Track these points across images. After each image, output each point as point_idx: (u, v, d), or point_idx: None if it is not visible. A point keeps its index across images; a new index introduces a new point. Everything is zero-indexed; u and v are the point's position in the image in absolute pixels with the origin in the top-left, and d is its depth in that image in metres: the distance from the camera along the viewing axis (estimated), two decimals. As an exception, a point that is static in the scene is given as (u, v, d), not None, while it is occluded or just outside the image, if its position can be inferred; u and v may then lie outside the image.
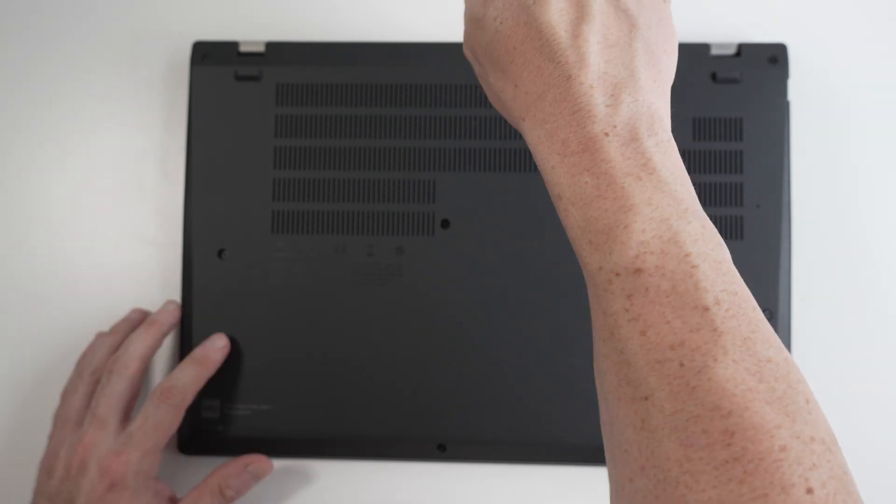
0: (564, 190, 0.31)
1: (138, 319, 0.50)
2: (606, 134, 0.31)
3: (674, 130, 0.48)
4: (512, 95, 0.34)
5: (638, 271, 0.29)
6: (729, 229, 0.48)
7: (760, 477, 0.26)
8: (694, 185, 0.48)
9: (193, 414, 0.49)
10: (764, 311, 0.47)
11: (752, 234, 0.48)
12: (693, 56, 0.49)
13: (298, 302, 0.49)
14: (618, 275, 0.30)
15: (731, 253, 0.49)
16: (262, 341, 0.49)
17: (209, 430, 0.49)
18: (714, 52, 0.49)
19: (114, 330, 0.49)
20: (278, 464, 0.50)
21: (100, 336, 0.49)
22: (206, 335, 0.49)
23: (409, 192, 0.49)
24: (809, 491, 0.26)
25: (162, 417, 0.45)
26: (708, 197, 0.48)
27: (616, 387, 0.30)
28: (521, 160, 0.49)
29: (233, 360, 0.49)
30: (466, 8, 0.36)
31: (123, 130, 0.53)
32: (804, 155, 0.50)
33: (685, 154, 0.49)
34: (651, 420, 0.28)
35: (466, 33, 0.36)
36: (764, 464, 0.26)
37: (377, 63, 0.50)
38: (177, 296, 0.51)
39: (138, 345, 0.47)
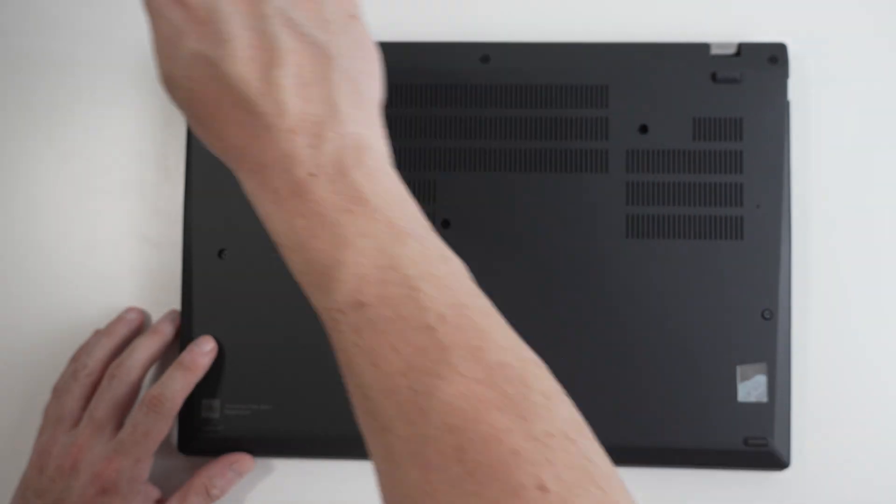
0: (282, 237, 0.31)
1: (135, 320, 0.50)
2: (313, 175, 0.30)
3: (674, 130, 0.49)
4: (221, 149, 0.33)
5: (360, 304, 0.29)
6: (729, 229, 0.48)
7: (492, 485, 0.26)
8: (694, 185, 0.48)
9: (193, 414, 0.49)
10: (764, 311, 0.47)
11: (752, 234, 0.48)
12: (693, 56, 0.49)
13: (299, 302, 0.49)
14: (343, 312, 0.29)
15: (731, 253, 0.49)
16: (262, 341, 0.49)
17: (209, 430, 0.48)
18: (714, 52, 0.49)
19: (110, 331, 0.49)
20: (279, 464, 0.50)
21: (97, 334, 0.49)
22: (205, 335, 0.49)
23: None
24: (542, 488, 0.26)
25: (151, 425, 0.45)
26: (708, 197, 0.48)
27: (363, 421, 0.30)
28: (521, 160, 0.49)
29: (233, 360, 0.49)
30: (158, 65, 0.34)
31: (123, 130, 0.53)
32: (804, 155, 0.50)
33: (685, 154, 0.49)
34: (393, 450, 0.28)
35: (165, 91, 0.34)
36: (495, 471, 0.26)
37: (377, 63, 0.50)
38: (177, 295, 0.51)
39: (142, 352, 0.48)
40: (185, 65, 0.32)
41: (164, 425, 0.46)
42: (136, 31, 0.53)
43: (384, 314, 0.29)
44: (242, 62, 0.31)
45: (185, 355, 0.48)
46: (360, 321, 0.29)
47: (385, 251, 0.30)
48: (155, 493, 0.46)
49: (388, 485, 0.29)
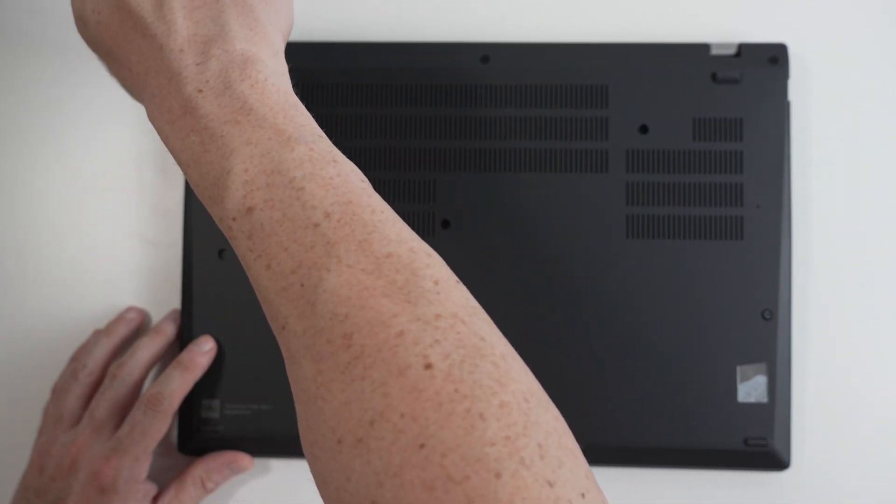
0: (179, 155, 0.32)
1: (135, 320, 0.50)
2: (200, 91, 0.32)
3: (674, 130, 0.49)
4: (129, 80, 0.35)
5: (249, 210, 0.30)
6: (729, 229, 0.48)
7: (378, 368, 0.27)
8: (694, 185, 0.48)
9: (193, 414, 0.49)
10: (764, 311, 0.47)
11: (752, 234, 0.48)
12: (693, 56, 0.49)
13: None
14: (234, 219, 0.30)
15: (731, 253, 0.49)
16: (261, 341, 0.49)
17: (209, 430, 0.49)
18: (714, 52, 0.49)
19: (110, 330, 0.49)
20: (278, 464, 0.50)
21: (96, 334, 0.49)
22: (205, 335, 0.49)
23: (409, 192, 0.49)
24: (428, 366, 0.27)
25: (149, 424, 0.45)
26: (708, 197, 0.48)
27: (272, 326, 0.31)
28: (521, 160, 0.49)
29: (233, 359, 0.49)
30: (72, 7, 0.37)
31: (123, 130, 0.53)
32: (804, 155, 0.50)
33: (685, 154, 0.49)
34: (291, 347, 0.29)
35: (79, 32, 0.37)
36: (381, 354, 0.27)
37: (378, 63, 0.50)
38: (177, 295, 0.51)
39: (144, 353, 0.48)
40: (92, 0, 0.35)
41: (163, 424, 0.46)
42: (136, 31, 0.53)
43: (272, 216, 0.30)
44: None
45: (184, 355, 0.48)
46: (251, 225, 0.30)
47: (271, 156, 0.31)
48: (153, 491, 0.47)
49: (293, 385, 0.30)
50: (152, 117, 0.33)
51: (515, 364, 0.29)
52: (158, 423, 0.46)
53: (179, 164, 0.32)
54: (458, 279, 0.30)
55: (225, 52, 0.33)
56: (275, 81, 0.33)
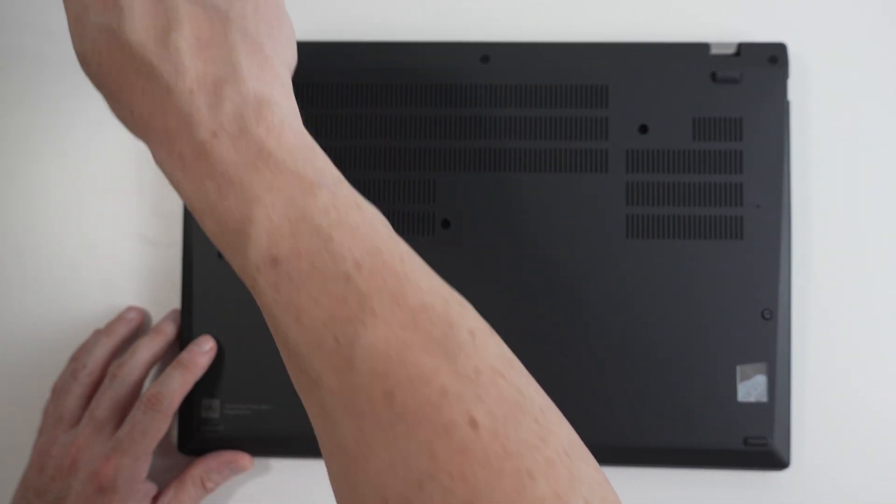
0: (193, 202, 0.31)
1: (134, 320, 0.50)
2: (215, 134, 0.30)
3: (674, 130, 0.49)
4: (132, 123, 0.33)
5: (275, 260, 0.29)
6: (729, 229, 0.48)
7: (423, 427, 0.26)
8: (694, 185, 0.48)
9: (193, 414, 0.49)
10: (764, 311, 0.47)
11: (752, 234, 0.48)
12: (693, 56, 0.49)
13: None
14: (259, 270, 0.29)
15: (731, 253, 0.49)
16: (261, 341, 0.49)
17: (209, 430, 0.49)
18: (714, 52, 0.49)
19: (110, 330, 0.49)
20: (278, 464, 0.50)
21: (96, 334, 0.49)
22: (205, 334, 0.49)
23: (409, 192, 0.49)
24: (473, 425, 0.26)
25: (149, 424, 0.45)
26: (708, 197, 0.48)
27: (296, 380, 0.30)
28: (521, 160, 0.49)
29: (233, 360, 0.49)
30: (73, 45, 0.35)
31: (123, 130, 0.52)
32: (804, 155, 0.50)
33: (685, 154, 0.49)
34: (326, 404, 0.28)
35: (83, 71, 0.35)
36: (425, 412, 0.26)
37: (377, 63, 0.50)
38: (177, 295, 0.51)
39: (145, 353, 0.48)
40: (91, 39, 0.33)
41: (163, 424, 0.46)
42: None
43: (300, 267, 0.29)
44: (140, 28, 0.32)
45: (184, 354, 0.48)
46: (278, 277, 0.29)
47: (295, 203, 0.29)
48: (153, 491, 0.47)
49: (326, 441, 0.29)
50: (160, 161, 0.32)
51: (554, 417, 0.28)
52: (158, 423, 0.46)
53: (192, 210, 0.31)
54: (490, 327, 0.30)
55: (238, 94, 0.31)
56: (290, 123, 0.32)
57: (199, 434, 0.49)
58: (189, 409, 0.48)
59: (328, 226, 0.29)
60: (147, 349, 0.48)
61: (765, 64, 0.49)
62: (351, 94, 0.50)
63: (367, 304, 0.28)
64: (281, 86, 0.33)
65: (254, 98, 0.31)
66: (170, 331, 0.49)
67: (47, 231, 0.52)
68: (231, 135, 0.30)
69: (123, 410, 0.47)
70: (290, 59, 0.35)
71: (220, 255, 0.49)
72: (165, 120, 0.31)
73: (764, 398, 0.47)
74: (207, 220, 0.31)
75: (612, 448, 0.47)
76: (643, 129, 0.49)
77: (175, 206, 0.51)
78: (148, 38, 0.32)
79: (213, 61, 0.32)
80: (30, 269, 0.52)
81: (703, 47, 0.49)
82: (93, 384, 0.48)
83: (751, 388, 0.47)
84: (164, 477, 0.48)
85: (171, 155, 0.31)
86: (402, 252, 0.30)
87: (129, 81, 0.32)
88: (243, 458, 0.48)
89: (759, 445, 0.47)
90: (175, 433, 0.49)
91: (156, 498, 0.47)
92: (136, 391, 0.47)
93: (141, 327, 0.51)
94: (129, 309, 0.51)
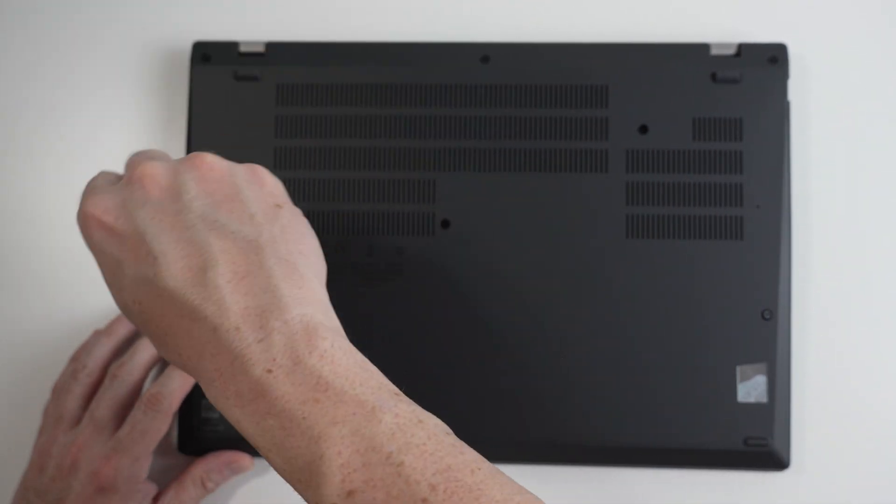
0: (257, 440, 0.31)
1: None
2: (270, 371, 0.30)
3: (674, 130, 0.49)
4: (183, 365, 0.33)
5: (351, 494, 0.29)
6: (729, 229, 0.48)
7: None
8: (694, 185, 0.48)
9: (193, 414, 0.49)
10: (764, 311, 0.47)
11: (752, 234, 0.48)
12: (693, 56, 0.49)
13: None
14: None
15: (731, 253, 0.49)
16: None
17: (209, 430, 0.49)
18: (714, 52, 0.49)
19: (110, 330, 0.49)
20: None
21: (96, 334, 0.49)
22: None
23: (409, 192, 0.49)
24: None
25: (149, 424, 0.45)
26: (708, 197, 0.48)
27: None
28: (521, 160, 0.49)
29: (233, 360, 0.49)
30: (112, 298, 0.36)
31: (123, 130, 0.53)
32: (804, 155, 0.50)
33: (685, 154, 0.49)
34: None
35: (127, 318, 0.36)
36: None
37: (377, 63, 0.50)
38: (177, 296, 0.51)
39: (145, 353, 0.48)
40: (130, 290, 0.34)
41: (163, 424, 0.46)
42: (137, 31, 0.53)
43: (376, 497, 0.29)
44: (176, 274, 0.32)
45: None
46: None
47: (361, 433, 0.29)
48: (153, 491, 0.47)
49: None
50: (214, 399, 0.32)
51: None
52: (158, 423, 0.46)
53: (257, 448, 0.31)
54: None
55: (284, 324, 0.31)
56: (340, 344, 0.32)
57: (199, 434, 0.49)
58: (189, 409, 0.48)
59: (397, 451, 0.29)
60: (147, 349, 0.48)
61: (765, 64, 0.49)
62: (351, 94, 0.50)
63: None
64: (320, 303, 0.33)
65: (300, 325, 0.31)
66: None
67: (47, 231, 0.52)
68: (286, 369, 0.30)
69: (124, 411, 0.47)
70: (322, 272, 0.36)
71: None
72: (216, 360, 0.31)
73: (764, 398, 0.47)
74: (274, 458, 0.31)
75: (613, 448, 0.47)
76: (643, 129, 0.49)
77: (175, 206, 0.51)
78: (185, 282, 0.32)
79: (253, 292, 0.32)
80: (30, 269, 0.52)
81: (703, 47, 0.49)
82: (93, 384, 0.48)
83: (751, 388, 0.47)
84: (164, 477, 0.48)
85: (226, 394, 0.31)
86: (470, 462, 0.30)
87: (173, 326, 0.33)
88: (243, 459, 0.48)
89: (759, 446, 0.47)
90: (175, 433, 0.49)
91: (156, 498, 0.47)
92: (136, 391, 0.47)
93: (141, 327, 0.51)
94: (130, 309, 0.51)
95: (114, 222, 0.35)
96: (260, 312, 0.31)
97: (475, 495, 0.29)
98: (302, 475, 0.30)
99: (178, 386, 0.47)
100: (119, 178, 0.38)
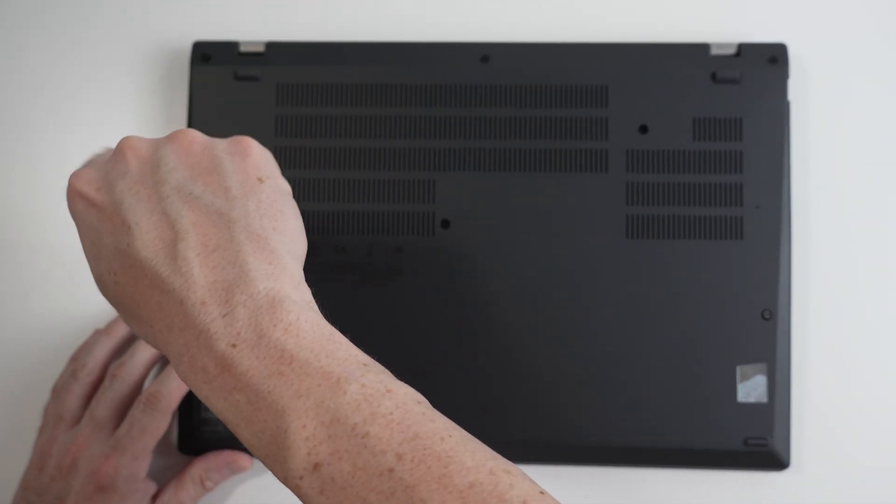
0: (226, 415, 0.31)
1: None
2: (234, 346, 0.30)
3: (674, 130, 0.49)
4: (153, 337, 0.33)
5: (316, 466, 0.29)
6: (729, 229, 0.48)
7: None
8: (694, 185, 0.48)
9: (193, 414, 0.49)
10: (764, 311, 0.47)
11: (752, 234, 0.48)
12: (693, 56, 0.49)
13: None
14: (302, 478, 0.29)
15: (731, 253, 0.49)
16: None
17: (209, 429, 0.49)
18: (714, 52, 0.49)
19: (110, 330, 0.49)
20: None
21: (96, 333, 0.49)
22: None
23: (409, 192, 0.49)
24: None
25: (148, 422, 0.45)
26: (708, 197, 0.48)
27: None
28: (521, 160, 0.49)
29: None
30: (90, 270, 0.36)
31: (123, 130, 0.52)
32: (804, 155, 0.50)
33: (685, 154, 0.49)
34: None
35: (101, 293, 0.36)
36: None
37: (377, 63, 0.50)
38: (177, 296, 0.51)
39: (145, 353, 0.48)
40: (106, 260, 0.34)
41: (162, 422, 0.46)
42: (137, 31, 0.53)
43: (342, 469, 0.29)
44: (148, 244, 0.33)
45: None
46: (322, 481, 0.29)
47: (325, 405, 0.29)
48: (152, 490, 0.47)
49: None
50: (184, 376, 0.32)
51: None
52: (157, 422, 0.46)
53: (226, 423, 0.31)
54: (541, 488, 0.29)
55: (249, 298, 0.31)
56: (306, 317, 0.31)
57: (199, 434, 0.49)
58: (189, 409, 0.48)
59: (362, 421, 0.29)
60: (147, 349, 0.48)
61: (765, 64, 0.49)
62: (351, 94, 0.50)
63: (415, 494, 0.28)
64: (290, 277, 0.33)
65: (266, 298, 0.31)
66: None
67: (47, 231, 0.52)
68: (250, 343, 0.30)
69: (123, 410, 0.47)
70: (299, 249, 0.35)
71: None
72: (184, 334, 0.31)
73: (764, 398, 0.47)
74: (242, 432, 0.31)
75: (612, 448, 0.47)
76: (643, 129, 0.49)
77: (175, 205, 0.51)
78: (156, 252, 0.32)
79: (221, 266, 0.32)
80: (30, 268, 0.52)
81: (703, 47, 0.49)
82: (93, 384, 0.48)
83: (751, 388, 0.47)
84: (164, 476, 0.48)
85: (193, 370, 0.31)
86: (439, 429, 0.30)
87: (144, 297, 0.33)
88: (243, 458, 0.48)
89: (759, 446, 0.47)
90: (175, 433, 0.49)
91: (155, 497, 0.47)
92: (136, 391, 0.47)
93: (141, 327, 0.51)
94: (129, 309, 0.51)
95: (94, 193, 0.35)
96: (226, 287, 0.31)
97: (443, 463, 0.28)
98: (269, 450, 0.30)
99: (176, 385, 0.47)
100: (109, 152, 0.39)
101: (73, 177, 0.37)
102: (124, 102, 0.53)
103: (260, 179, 0.35)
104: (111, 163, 0.36)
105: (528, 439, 0.48)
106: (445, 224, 0.49)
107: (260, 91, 0.50)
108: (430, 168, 0.49)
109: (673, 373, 0.47)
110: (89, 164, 0.38)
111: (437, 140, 0.49)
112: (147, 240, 0.33)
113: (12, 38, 0.53)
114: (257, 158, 0.36)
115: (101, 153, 0.40)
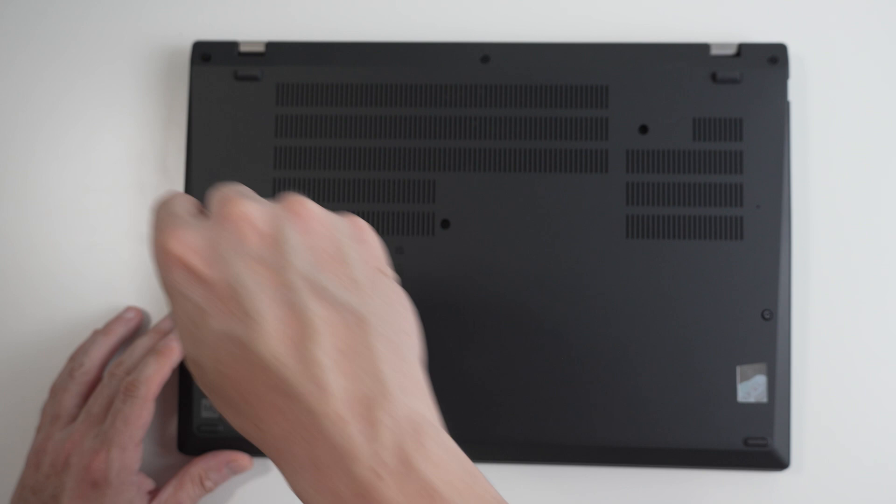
0: None
1: (133, 319, 0.50)
2: (377, 474, 0.27)
3: (674, 130, 0.49)
4: (258, 438, 0.29)
5: None
6: (729, 229, 0.48)
7: None
8: (694, 185, 0.48)
9: (193, 414, 0.49)
10: (764, 311, 0.47)
11: (752, 234, 0.48)
12: (693, 56, 0.49)
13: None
14: None
15: (731, 253, 0.49)
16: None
17: (209, 430, 0.48)
18: (714, 52, 0.49)
19: (108, 330, 0.49)
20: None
21: (95, 334, 0.49)
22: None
23: (409, 192, 0.49)
24: None
25: (129, 411, 0.45)
26: (708, 197, 0.48)
27: None
28: (521, 160, 0.49)
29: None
30: (181, 345, 0.31)
31: (123, 130, 0.53)
32: (804, 155, 0.50)
33: (685, 154, 0.49)
34: None
35: (190, 372, 0.31)
36: None
37: (377, 63, 0.50)
38: (177, 296, 0.51)
39: (144, 352, 0.48)
40: (211, 346, 0.29)
41: (143, 410, 0.45)
42: (137, 31, 0.53)
43: None
44: (274, 340, 0.28)
45: (160, 342, 0.48)
46: None
47: None
48: (148, 484, 0.46)
49: None
50: (301, 492, 0.28)
51: None
52: (138, 409, 0.45)
53: None
54: None
55: (392, 419, 0.28)
56: (446, 445, 0.28)
57: (199, 434, 0.49)
58: (189, 409, 0.48)
59: None
60: (146, 349, 0.48)
61: (765, 64, 0.49)
62: (351, 94, 0.50)
63: None
64: (422, 391, 0.30)
65: (409, 423, 0.28)
66: (169, 330, 0.49)
67: (47, 231, 0.52)
68: (395, 472, 0.27)
69: None
70: (420, 353, 0.31)
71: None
72: (312, 448, 0.28)
73: (764, 398, 0.47)
74: None
75: (613, 448, 0.47)
76: (643, 129, 0.49)
77: (175, 205, 0.51)
78: (283, 351, 0.28)
79: (357, 375, 0.28)
80: (30, 269, 0.52)
81: (703, 47, 0.49)
82: (89, 383, 0.48)
83: (751, 388, 0.47)
84: (164, 476, 0.48)
85: (319, 490, 0.28)
86: None
87: (257, 396, 0.28)
88: (243, 458, 0.48)
89: (759, 446, 0.47)
90: (175, 433, 0.49)
91: (154, 495, 0.47)
92: None
93: (140, 327, 0.51)
94: (128, 309, 0.51)
95: (202, 266, 0.30)
96: (366, 402, 0.28)
97: None
98: None
99: (153, 371, 0.46)
100: (199, 208, 0.33)
101: (171, 239, 0.30)
102: (124, 102, 0.53)
103: (380, 271, 0.32)
104: (219, 231, 0.30)
105: (527, 439, 0.48)
106: (445, 224, 0.49)
107: (260, 91, 0.50)
108: (430, 168, 0.49)
109: (673, 373, 0.47)
110: (183, 224, 0.31)
111: (437, 140, 0.49)
112: (273, 335, 0.28)
113: (12, 37, 0.53)
114: (374, 246, 0.32)
115: (181, 201, 0.33)
